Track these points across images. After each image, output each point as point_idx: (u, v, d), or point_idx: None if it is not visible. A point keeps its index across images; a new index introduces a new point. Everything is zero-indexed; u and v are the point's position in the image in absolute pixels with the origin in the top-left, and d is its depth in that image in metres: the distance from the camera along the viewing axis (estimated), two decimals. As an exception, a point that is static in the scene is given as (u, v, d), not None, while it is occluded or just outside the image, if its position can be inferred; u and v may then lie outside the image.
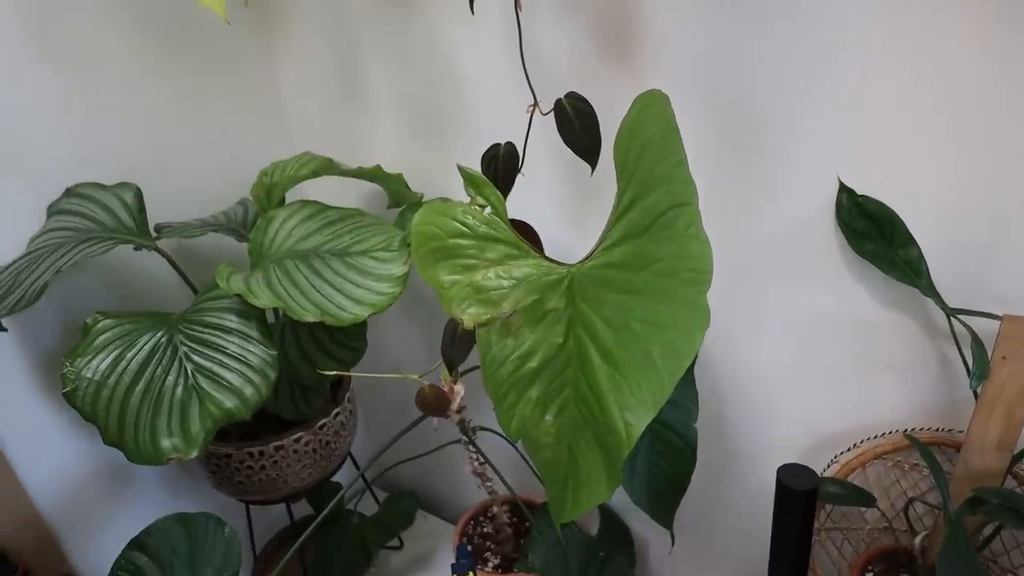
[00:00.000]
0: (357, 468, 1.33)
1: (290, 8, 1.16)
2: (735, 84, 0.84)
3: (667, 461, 0.95)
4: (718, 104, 0.86)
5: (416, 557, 1.39)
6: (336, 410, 1.10)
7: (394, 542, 1.39)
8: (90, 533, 1.11)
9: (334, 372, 0.92)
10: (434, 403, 0.84)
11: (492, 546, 1.25)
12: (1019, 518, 0.73)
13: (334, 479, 1.20)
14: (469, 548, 1.23)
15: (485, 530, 1.28)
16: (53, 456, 1.04)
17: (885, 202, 0.82)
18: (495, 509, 1.20)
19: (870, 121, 0.79)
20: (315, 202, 0.98)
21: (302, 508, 1.31)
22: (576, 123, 0.77)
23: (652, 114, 0.62)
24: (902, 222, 0.82)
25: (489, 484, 1.11)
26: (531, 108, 0.82)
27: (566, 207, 1.05)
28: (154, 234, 1.00)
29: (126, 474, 1.14)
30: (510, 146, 0.84)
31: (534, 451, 0.66)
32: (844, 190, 0.83)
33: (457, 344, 0.83)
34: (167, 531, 0.77)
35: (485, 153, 0.85)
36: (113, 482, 1.13)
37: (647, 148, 0.61)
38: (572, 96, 0.79)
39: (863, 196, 0.82)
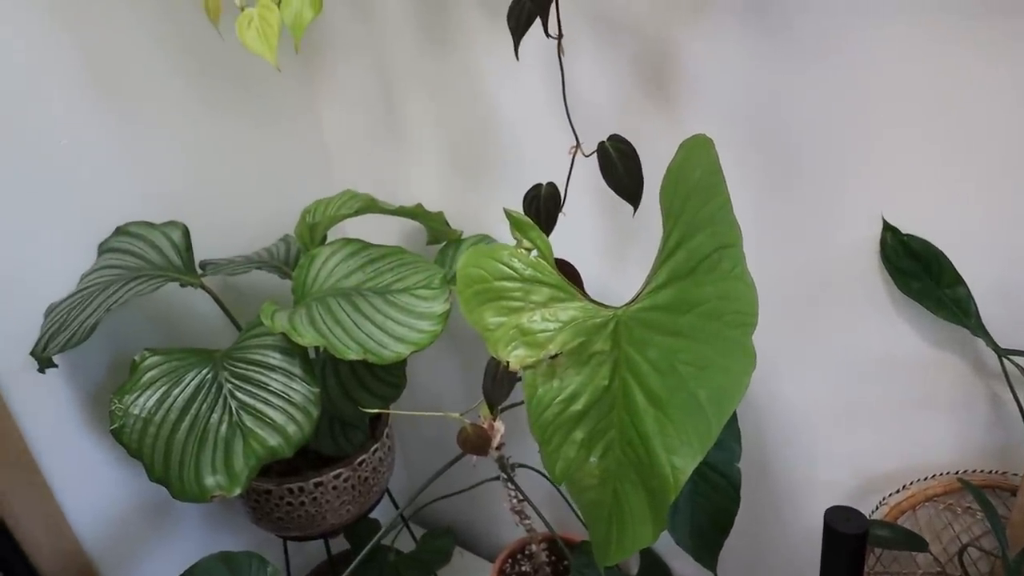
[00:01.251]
0: (395, 504, 1.33)
1: (334, 49, 1.19)
2: (777, 124, 0.84)
3: (710, 501, 0.93)
4: (760, 144, 0.86)
5: (452, 595, 1.38)
6: (375, 446, 1.10)
7: (430, 579, 1.38)
8: (130, 567, 1.12)
9: (376, 410, 0.93)
10: (476, 442, 0.84)
11: (530, 585, 1.24)
12: (1081, 567, 0.70)
13: (372, 515, 1.20)
14: (506, 587, 1.22)
15: (523, 568, 1.27)
16: (98, 490, 1.06)
17: (931, 240, 0.81)
18: (533, 547, 1.18)
19: (914, 159, 0.79)
20: (357, 240, 1.00)
21: (338, 543, 1.31)
22: (619, 166, 0.78)
23: (697, 158, 0.62)
24: (949, 261, 0.81)
25: (527, 522, 1.10)
26: (573, 150, 0.82)
27: (607, 245, 1.05)
28: (199, 271, 1.03)
29: (167, 508, 1.15)
30: (552, 187, 0.85)
31: (578, 493, 0.66)
32: (888, 229, 0.82)
33: (498, 383, 0.83)
34: (210, 570, 0.78)
35: (527, 193, 0.85)
36: (154, 516, 1.14)
37: (693, 191, 0.61)
38: (615, 139, 0.79)
39: (908, 235, 0.81)
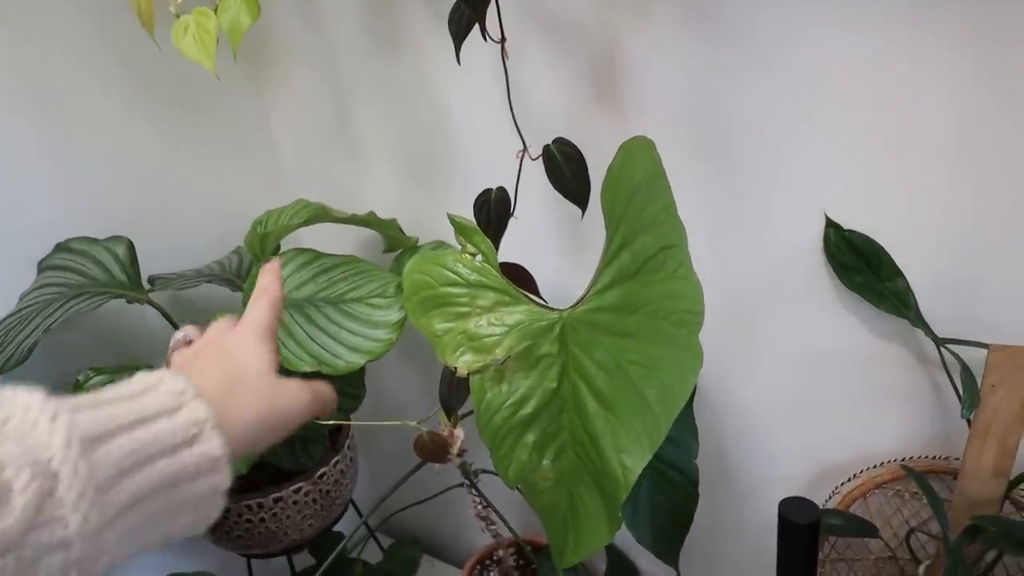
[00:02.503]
0: (360, 516, 1.32)
1: (283, 56, 1.18)
2: (721, 124, 0.86)
3: (669, 498, 0.94)
4: (706, 143, 0.88)
5: (420, 604, 1.37)
6: (336, 458, 1.09)
7: (397, 589, 1.37)
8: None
9: (332, 422, 0.92)
10: (433, 449, 0.84)
11: (497, 590, 1.24)
12: (1017, 545, 0.72)
13: (337, 528, 1.19)
14: (473, 593, 1.22)
15: (492, 574, 1.26)
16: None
17: (871, 235, 0.83)
18: (501, 553, 1.18)
19: (854, 156, 0.80)
20: (310, 250, 0.99)
21: (303, 559, 1.29)
22: (565, 168, 0.79)
23: (637, 160, 0.63)
24: (888, 255, 0.83)
25: (493, 527, 1.10)
26: (520, 154, 0.83)
27: (562, 246, 1.05)
28: (147, 286, 1.01)
29: (123, 530, 1.13)
30: (502, 191, 0.85)
31: (533, 496, 0.66)
32: (831, 225, 0.84)
33: (455, 389, 0.83)
34: (165, 590, 0.76)
35: (477, 198, 0.86)
36: (109, 539, 1.11)
37: (634, 193, 0.62)
38: (560, 141, 0.80)
39: (849, 231, 0.83)
